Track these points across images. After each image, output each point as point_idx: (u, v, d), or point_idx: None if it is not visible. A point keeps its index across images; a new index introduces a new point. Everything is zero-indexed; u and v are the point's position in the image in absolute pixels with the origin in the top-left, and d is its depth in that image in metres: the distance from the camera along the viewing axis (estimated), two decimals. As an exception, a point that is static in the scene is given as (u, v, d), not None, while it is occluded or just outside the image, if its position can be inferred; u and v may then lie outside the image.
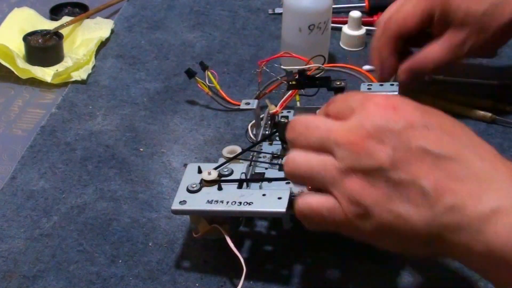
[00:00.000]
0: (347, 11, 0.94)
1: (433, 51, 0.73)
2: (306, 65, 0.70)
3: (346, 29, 0.92)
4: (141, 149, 0.74)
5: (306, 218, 0.52)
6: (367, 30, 0.92)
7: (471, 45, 0.72)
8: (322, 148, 0.50)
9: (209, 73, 0.79)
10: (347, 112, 0.50)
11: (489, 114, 0.78)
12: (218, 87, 0.79)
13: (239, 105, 0.75)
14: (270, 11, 1.00)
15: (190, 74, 0.80)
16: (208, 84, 0.79)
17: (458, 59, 0.74)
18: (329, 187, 0.50)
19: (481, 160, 0.47)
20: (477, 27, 0.71)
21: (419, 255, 0.52)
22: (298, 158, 0.51)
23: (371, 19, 0.95)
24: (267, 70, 0.75)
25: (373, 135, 0.48)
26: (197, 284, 0.59)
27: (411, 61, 0.75)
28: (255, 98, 0.75)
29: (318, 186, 0.51)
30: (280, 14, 0.93)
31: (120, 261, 0.61)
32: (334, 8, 0.87)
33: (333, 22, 0.90)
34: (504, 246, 0.44)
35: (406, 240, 0.48)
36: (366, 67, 0.86)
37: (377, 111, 0.49)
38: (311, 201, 0.51)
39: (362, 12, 0.93)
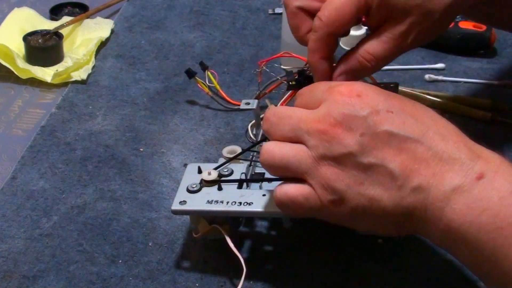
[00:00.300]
0: (347, 11, 0.94)
1: (372, 48, 0.59)
2: (305, 64, 0.70)
3: (346, 29, 0.91)
4: (141, 149, 0.74)
5: (284, 207, 0.54)
6: (367, 30, 0.92)
7: (415, 35, 0.60)
8: (294, 137, 0.53)
9: (209, 73, 0.79)
10: (314, 103, 0.53)
11: (489, 114, 0.78)
12: (218, 87, 0.80)
13: (239, 105, 0.75)
14: (270, 11, 1.00)
15: (190, 74, 0.80)
16: (208, 84, 0.79)
17: (401, 53, 0.63)
18: (304, 175, 0.52)
19: (444, 140, 0.50)
20: (421, 13, 0.58)
21: (391, 234, 0.54)
22: (272, 148, 0.53)
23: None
24: (267, 70, 0.75)
25: (341, 122, 0.50)
26: (197, 284, 0.59)
27: (347, 64, 0.60)
28: (255, 98, 0.75)
29: (293, 175, 0.53)
30: (280, 14, 0.93)
31: (120, 261, 0.61)
32: (334, 8, 0.87)
33: (333, 22, 0.90)
34: (461, 224, 0.47)
35: (378, 222, 0.51)
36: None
37: (342, 99, 0.51)
38: (288, 190, 0.53)
39: (362, 12, 0.92)
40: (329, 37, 0.59)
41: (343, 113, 0.50)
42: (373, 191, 0.50)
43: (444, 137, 0.50)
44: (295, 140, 0.52)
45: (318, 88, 0.54)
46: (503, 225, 0.46)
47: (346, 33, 0.61)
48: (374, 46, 0.59)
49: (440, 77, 0.85)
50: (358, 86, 0.52)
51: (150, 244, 0.63)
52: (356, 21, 0.60)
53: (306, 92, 0.56)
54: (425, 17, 0.59)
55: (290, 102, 0.71)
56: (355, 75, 0.61)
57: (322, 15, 0.58)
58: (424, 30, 0.60)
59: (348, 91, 0.51)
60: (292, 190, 0.52)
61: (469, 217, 0.47)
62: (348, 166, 0.50)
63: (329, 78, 0.60)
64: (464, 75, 0.86)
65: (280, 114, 0.54)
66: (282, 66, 0.78)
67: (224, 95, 0.80)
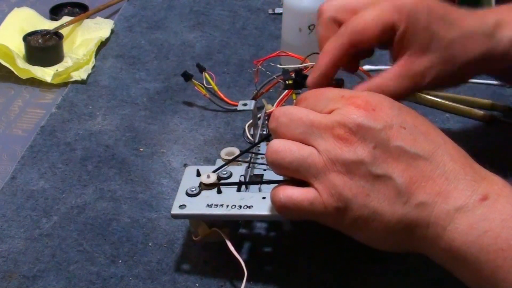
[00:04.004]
0: (347, 11, 0.94)
1: (388, 81, 0.60)
2: (302, 63, 0.70)
3: (346, 29, 0.91)
4: (141, 149, 0.74)
5: (287, 210, 0.53)
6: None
7: (434, 76, 0.60)
8: (305, 140, 0.52)
9: (206, 74, 0.79)
10: (323, 109, 0.53)
11: (489, 114, 0.78)
12: (216, 88, 0.79)
13: (237, 106, 0.74)
14: (270, 11, 1.00)
15: (187, 77, 0.79)
16: (206, 85, 0.79)
17: (417, 90, 0.64)
18: (312, 179, 0.51)
19: (452, 160, 0.50)
20: (443, 56, 0.59)
21: (388, 249, 0.54)
22: (281, 148, 0.53)
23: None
24: (263, 69, 0.74)
25: (355, 132, 0.50)
26: (197, 284, 0.59)
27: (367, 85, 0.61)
28: (252, 98, 0.75)
29: (300, 177, 0.52)
30: (280, 14, 0.93)
31: (120, 261, 0.61)
32: (334, 8, 0.87)
33: (333, 22, 0.90)
34: (462, 244, 0.48)
35: (378, 235, 0.51)
36: (366, 66, 0.86)
37: (357, 111, 0.51)
38: (293, 194, 0.52)
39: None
40: (348, 45, 0.59)
41: (358, 124, 0.50)
42: (377, 204, 0.50)
43: (452, 157, 0.50)
44: (304, 142, 0.52)
45: (327, 95, 0.54)
46: (504, 247, 0.47)
47: (369, 53, 0.62)
48: (390, 81, 0.60)
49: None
50: (373, 99, 0.52)
51: (150, 244, 0.63)
52: (379, 42, 0.60)
53: (311, 96, 0.55)
54: (447, 60, 0.60)
55: (287, 102, 0.72)
56: None
57: (350, 23, 0.59)
58: (444, 73, 0.60)
59: (364, 103, 0.51)
60: (298, 194, 0.52)
61: (470, 237, 0.48)
62: (357, 175, 0.50)
63: (323, 82, 0.60)
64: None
65: (291, 115, 0.53)
66: (280, 66, 0.77)
67: (222, 96, 0.80)
